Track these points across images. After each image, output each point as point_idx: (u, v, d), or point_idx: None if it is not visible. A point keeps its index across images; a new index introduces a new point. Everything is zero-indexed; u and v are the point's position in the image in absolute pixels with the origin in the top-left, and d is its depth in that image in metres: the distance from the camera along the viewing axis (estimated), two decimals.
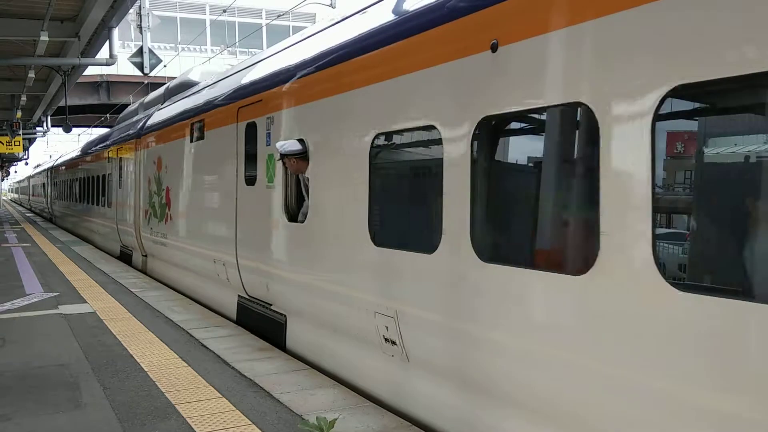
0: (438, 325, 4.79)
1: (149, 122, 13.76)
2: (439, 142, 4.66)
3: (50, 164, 40.13)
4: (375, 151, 5.57)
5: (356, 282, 5.83)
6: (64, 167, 30.08)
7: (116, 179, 16.50)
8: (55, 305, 9.73)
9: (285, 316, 7.45)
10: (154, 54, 17.48)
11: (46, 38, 14.08)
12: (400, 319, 5.18)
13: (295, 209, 7.10)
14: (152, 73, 18.75)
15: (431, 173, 4.89)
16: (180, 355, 6.83)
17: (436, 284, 4.78)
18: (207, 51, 44.81)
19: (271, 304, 7.75)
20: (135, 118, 16.77)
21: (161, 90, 15.31)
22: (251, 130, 7.91)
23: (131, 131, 15.28)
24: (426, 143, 5.15)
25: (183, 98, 12.26)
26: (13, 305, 9.72)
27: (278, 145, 6.78)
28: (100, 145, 19.90)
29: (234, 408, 5.23)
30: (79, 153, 25.74)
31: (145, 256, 14.21)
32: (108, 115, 38.98)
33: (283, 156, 6.77)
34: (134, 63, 17.35)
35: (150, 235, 13.04)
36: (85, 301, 10.06)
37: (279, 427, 4.83)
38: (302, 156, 6.64)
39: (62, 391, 5.69)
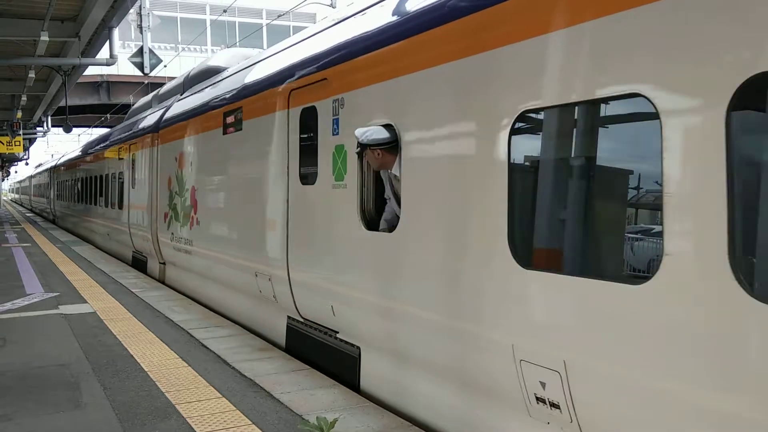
0: (644, 387, 3.32)
1: (169, 114, 12.26)
2: (649, 118, 3.29)
3: (53, 163, 38.63)
4: (523, 134, 4.16)
5: (488, 317, 4.32)
6: (68, 166, 28.44)
7: (128, 178, 14.91)
8: (55, 305, 9.73)
9: (359, 348, 6.00)
10: (155, 54, 17.48)
11: (47, 38, 14.09)
12: (569, 373, 3.70)
13: (374, 215, 5.71)
14: (152, 73, 18.76)
15: (631, 159, 3.71)
16: (180, 355, 6.83)
17: (645, 329, 3.28)
18: (207, 51, 44.80)
19: (337, 332, 6.32)
20: (149, 112, 15.23)
21: (180, 79, 13.94)
22: (309, 117, 6.54)
23: (146, 125, 13.80)
24: (619, 119, 3.78)
25: (209, 86, 10.73)
26: (14, 305, 9.72)
27: (358, 133, 5.39)
28: (109, 142, 18.36)
29: (234, 408, 5.23)
30: (85, 151, 24.06)
31: (163, 263, 12.77)
32: (108, 115, 39.03)
33: (364, 147, 5.43)
34: (134, 63, 17.35)
35: (170, 241, 11.53)
36: (85, 301, 10.06)
37: (279, 427, 4.83)
38: (390, 147, 5.26)
39: (62, 391, 5.69)
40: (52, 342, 7.46)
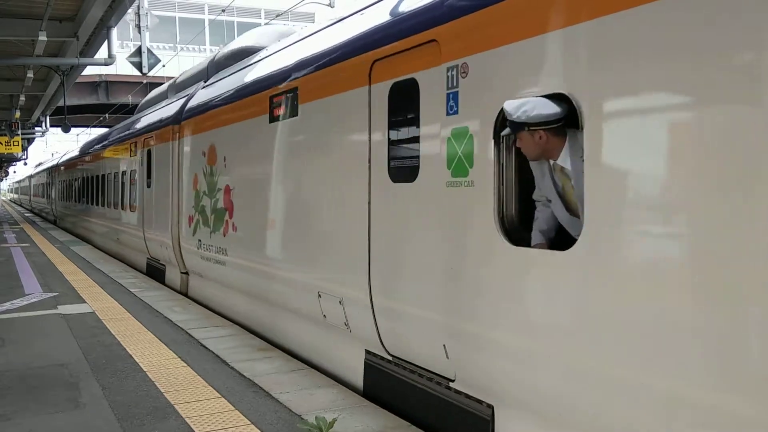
0: None
1: (193, 103, 10.74)
2: None
3: (55, 161, 36.88)
4: None
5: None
6: (71, 164, 26.40)
7: (142, 177, 13.28)
8: (54, 305, 9.72)
9: (491, 407, 4.39)
10: (153, 54, 17.45)
11: (45, 38, 14.08)
12: None
13: (516, 223, 4.22)
14: (151, 73, 18.72)
15: None
16: (179, 355, 6.83)
17: None
18: (206, 51, 44.79)
19: (451, 380, 4.72)
20: (164, 103, 13.70)
21: (202, 65, 12.42)
22: (403, 93, 5.07)
23: (164, 117, 12.28)
24: None
25: (244, 68, 9.22)
26: (13, 305, 9.72)
27: (511, 107, 3.89)
28: (118, 137, 16.73)
29: (233, 408, 5.23)
30: (90, 148, 22.18)
31: (186, 273, 11.24)
32: (107, 115, 39.02)
33: (517, 128, 3.94)
34: (133, 63, 17.33)
35: (196, 249, 9.98)
36: (84, 301, 10.05)
37: (278, 427, 4.83)
38: (557, 128, 3.89)
39: (61, 391, 5.69)
40: (50, 342, 7.46)
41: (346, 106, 5.90)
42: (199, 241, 9.81)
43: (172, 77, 16.07)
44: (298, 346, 7.08)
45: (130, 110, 33.21)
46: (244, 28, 46.28)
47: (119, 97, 36.94)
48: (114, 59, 16.05)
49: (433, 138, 4.70)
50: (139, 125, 14.63)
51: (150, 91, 18.41)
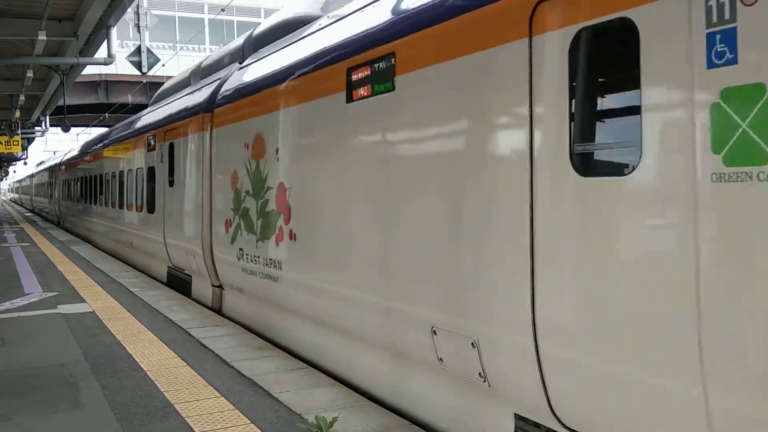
0: None
1: (230, 86, 9.16)
2: None
3: (59, 159, 34.63)
4: None
5: None
6: (77, 162, 24.61)
7: (163, 174, 11.75)
8: (54, 305, 9.72)
9: None
10: (152, 53, 17.42)
11: (44, 38, 14.08)
12: None
13: None
14: (150, 73, 18.69)
15: None
16: (179, 355, 6.82)
17: None
18: (206, 50, 44.79)
19: None
20: (188, 91, 12.09)
21: (237, 42, 10.83)
22: (603, 42, 3.57)
23: (191, 105, 10.68)
24: None
25: (298, 40, 7.63)
26: (12, 305, 9.71)
27: None
28: (131, 131, 15.12)
29: (233, 407, 5.22)
30: (98, 144, 20.31)
31: (219, 287, 9.69)
32: (107, 115, 39.04)
33: None
34: (132, 62, 17.31)
35: (236, 260, 8.44)
36: (84, 301, 10.05)
37: (278, 426, 4.83)
38: None
39: (61, 391, 5.68)
40: (50, 342, 7.45)
41: (485, 71, 4.28)
42: (241, 250, 8.26)
43: (172, 77, 15.98)
44: (392, 394, 5.48)
45: (129, 110, 33.29)
46: (244, 27, 46.27)
47: (119, 96, 36.98)
48: (113, 59, 16.04)
49: (673, 106, 3.17)
50: (157, 117, 13.01)
51: (150, 91, 18.29)
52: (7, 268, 14.19)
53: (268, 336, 7.81)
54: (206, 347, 7.11)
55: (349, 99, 5.83)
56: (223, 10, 27.80)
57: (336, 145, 6.12)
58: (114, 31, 15.44)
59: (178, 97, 12.53)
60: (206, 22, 45.11)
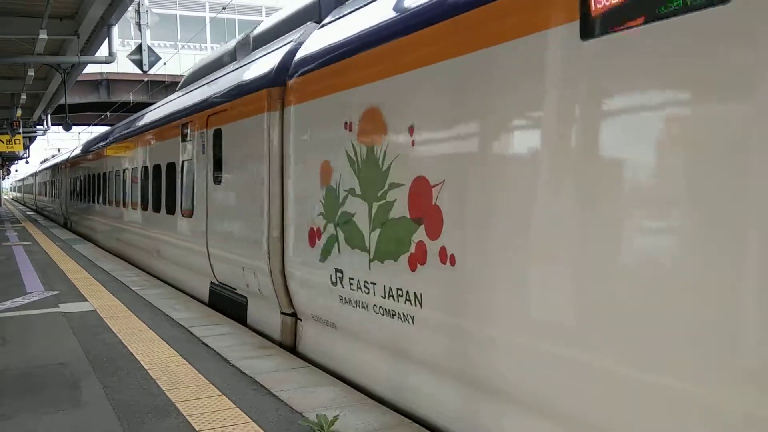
0: None
1: (315, 46, 6.92)
2: None
3: (67, 155, 31.76)
4: None
5: None
6: (89, 158, 21.90)
7: (206, 168, 9.54)
8: (55, 304, 9.72)
9: None
10: (153, 51, 17.43)
11: (46, 36, 14.07)
12: None
13: None
14: (152, 71, 18.71)
15: None
16: (180, 353, 6.82)
17: None
18: (207, 49, 44.78)
19: None
20: (233, 66, 9.83)
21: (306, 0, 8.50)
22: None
23: (249, 79, 8.35)
24: None
25: None
26: (14, 304, 9.72)
27: None
28: (159, 119, 12.78)
29: (234, 406, 5.22)
30: (115, 136, 17.65)
31: (294, 316, 7.46)
32: (108, 113, 39.06)
33: None
34: (133, 60, 17.32)
35: (330, 283, 6.33)
36: (85, 300, 10.05)
37: (279, 425, 4.82)
38: None
39: (62, 389, 5.69)
40: (52, 340, 7.46)
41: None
42: (337, 271, 6.20)
43: (173, 75, 15.90)
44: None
45: (131, 108, 33.29)
46: (245, 26, 46.26)
47: (120, 95, 36.98)
48: (115, 57, 16.03)
49: None
50: (191, 100, 10.79)
51: (150, 90, 18.18)
52: (8, 266, 14.20)
53: (389, 401, 5.46)
54: (207, 346, 7.11)
55: (589, 31, 3.44)
56: (224, 8, 27.80)
57: (558, 110, 3.77)
58: (115, 30, 15.42)
59: (219, 75, 10.26)
60: (207, 21, 45.10)
